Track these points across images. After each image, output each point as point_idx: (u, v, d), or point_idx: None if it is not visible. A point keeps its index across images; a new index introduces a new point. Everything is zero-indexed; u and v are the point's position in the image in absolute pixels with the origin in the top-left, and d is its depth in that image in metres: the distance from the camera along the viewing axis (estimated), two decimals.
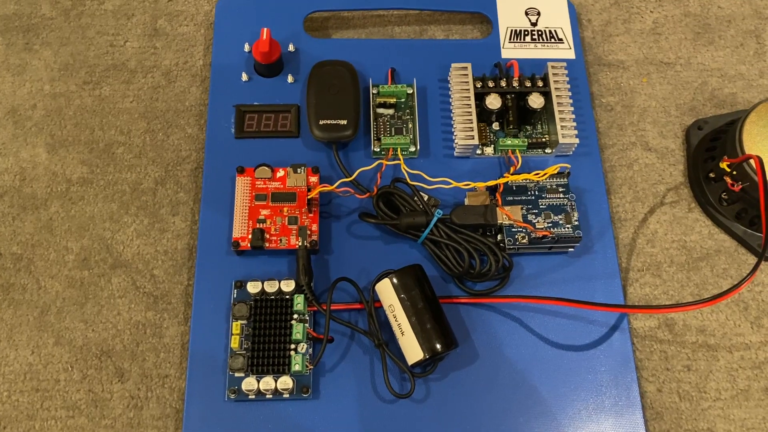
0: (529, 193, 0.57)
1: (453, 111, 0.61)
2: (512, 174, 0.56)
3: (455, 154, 0.60)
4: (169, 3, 0.70)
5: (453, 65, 0.61)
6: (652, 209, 0.61)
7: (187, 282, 0.58)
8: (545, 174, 0.55)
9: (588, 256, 0.57)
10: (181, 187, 0.61)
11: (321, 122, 0.58)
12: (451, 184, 0.55)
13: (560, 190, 0.57)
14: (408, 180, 0.56)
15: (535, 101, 0.60)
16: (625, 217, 0.60)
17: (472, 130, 0.58)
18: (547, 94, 0.61)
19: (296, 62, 0.64)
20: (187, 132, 0.64)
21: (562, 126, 0.59)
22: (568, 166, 0.57)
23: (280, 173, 0.57)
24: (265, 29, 0.60)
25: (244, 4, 0.66)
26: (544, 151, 0.61)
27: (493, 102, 0.59)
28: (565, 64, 0.61)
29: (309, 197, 0.55)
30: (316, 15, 0.69)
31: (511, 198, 0.56)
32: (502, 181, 0.55)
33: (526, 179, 0.56)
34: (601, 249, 0.58)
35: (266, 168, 0.57)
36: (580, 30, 0.68)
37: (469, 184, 0.55)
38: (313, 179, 0.57)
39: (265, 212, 0.56)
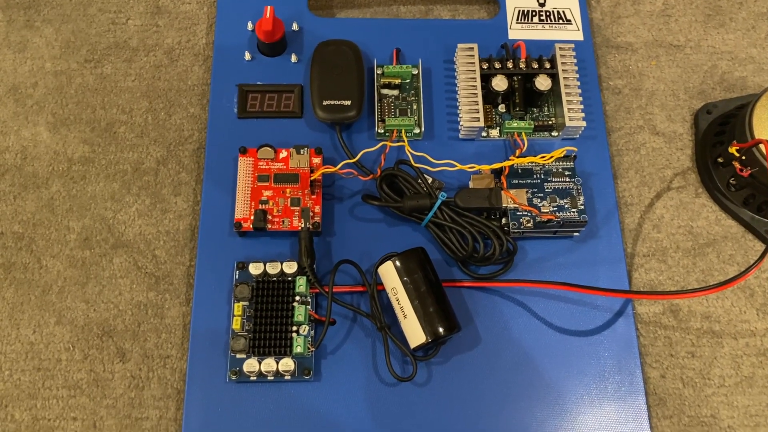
0: (535, 176, 0.56)
1: (458, 92, 0.60)
2: (518, 157, 0.56)
3: (460, 136, 0.59)
4: None
5: (459, 46, 0.60)
6: (659, 194, 0.60)
7: (189, 263, 0.57)
8: (551, 157, 0.54)
9: (593, 241, 0.57)
10: (183, 167, 0.61)
11: (324, 103, 0.58)
12: (455, 166, 0.54)
13: (566, 173, 0.56)
14: (412, 162, 0.55)
15: (542, 83, 0.59)
16: (632, 201, 0.60)
17: (478, 112, 0.58)
18: (554, 76, 0.60)
19: (300, 42, 0.63)
20: (189, 111, 0.63)
21: (569, 109, 0.58)
22: (575, 149, 0.56)
23: (283, 154, 0.57)
24: (269, 7, 0.59)
25: None
26: (551, 134, 0.60)
27: (499, 83, 0.59)
28: (572, 45, 0.60)
29: (312, 178, 0.54)
30: None
31: (517, 181, 0.56)
32: (507, 164, 0.55)
33: (531, 162, 0.55)
34: (606, 234, 0.57)
35: (269, 149, 0.57)
36: (589, 11, 0.67)
37: (473, 167, 0.55)
38: (316, 161, 0.57)
39: (267, 193, 0.55)
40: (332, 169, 0.54)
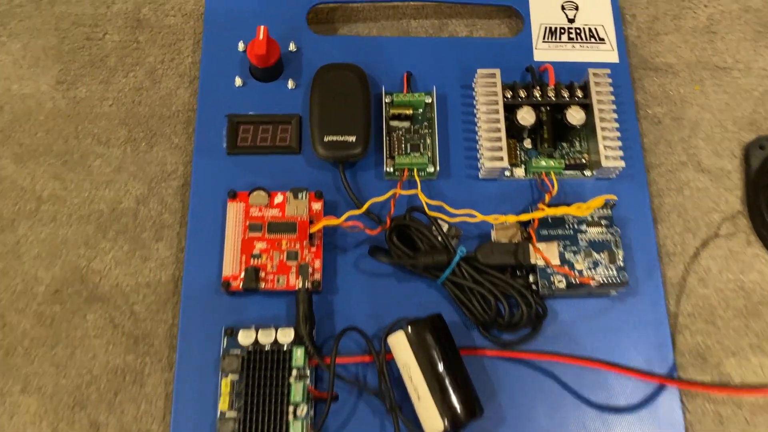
0: (567, 226, 0.49)
1: (478, 125, 0.53)
2: (548, 205, 0.48)
3: (480, 175, 0.52)
4: None
5: (479, 72, 0.53)
6: (705, 242, 0.53)
7: (172, 321, 0.51)
8: (589, 208, 0.47)
9: (632, 300, 0.50)
10: (165, 207, 0.54)
11: (326, 139, 0.50)
12: (476, 217, 0.47)
13: (603, 222, 0.49)
14: (427, 211, 0.48)
15: (575, 116, 0.51)
16: (674, 251, 0.53)
17: (501, 150, 0.50)
18: (587, 107, 0.52)
19: (298, 64, 0.55)
20: (173, 142, 0.56)
21: (605, 146, 0.51)
22: (614, 198, 0.49)
23: (278, 198, 0.50)
24: (262, 27, 0.52)
25: None
26: (583, 173, 0.53)
27: (526, 117, 0.51)
28: (608, 71, 0.53)
29: (311, 232, 0.47)
30: (322, 7, 0.60)
31: (546, 232, 0.49)
32: (537, 215, 0.48)
33: (566, 214, 0.48)
34: (647, 290, 0.50)
35: (262, 193, 0.49)
36: (624, 27, 0.59)
37: (497, 219, 0.48)
38: (317, 206, 0.50)
39: (260, 245, 0.48)
40: (334, 222, 0.47)
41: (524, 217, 0.48)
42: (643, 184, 0.53)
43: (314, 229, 0.47)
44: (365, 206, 0.48)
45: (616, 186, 0.53)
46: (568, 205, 0.48)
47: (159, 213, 0.54)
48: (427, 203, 0.48)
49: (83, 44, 0.59)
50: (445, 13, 0.61)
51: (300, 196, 0.49)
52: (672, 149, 0.56)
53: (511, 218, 0.48)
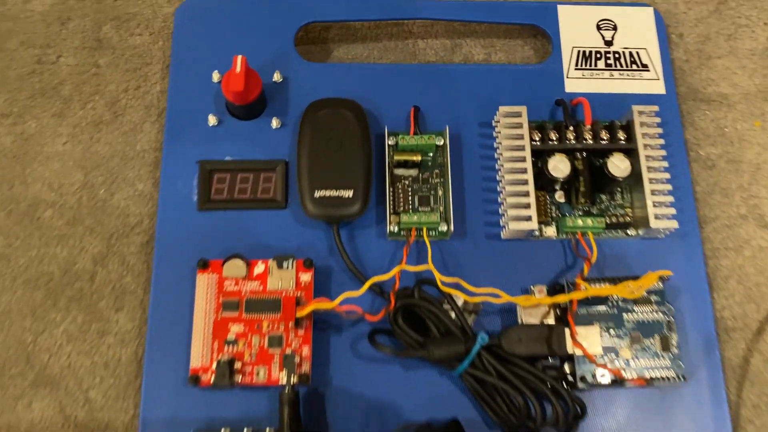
0: (611, 303, 0.40)
1: (501, 175, 0.44)
2: (587, 278, 0.40)
3: (503, 236, 0.44)
4: (119, 1, 0.53)
5: (501, 110, 0.44)
6: None
7: (134, 410, 0.42)
8: (640, 288, 0.38)
9: (686, 388, 0.41)
10: (128, 269, 0.45)
11: (317, 194, 0.42)
12: (501, 297, 0.39)
13: (653, 299, 0.41)
14: (440, 285, 0.40)
15: (618, 167, 0.42)
16: (734, 325, 0.44)
17: (528, 207, 0.42)
18: (631, 152, 0.43)
19: (284, 98, 0.46)
20: (137, 189, 0.47)
21: (654, 203, 0.42)
22: (669, 273, 0.41)
23: (259, 268, 0.41)
24: (239, 58, 0.43)
25: (213, 12, 0.49)
26: (626, 233, 0.44)
27: (559, 167, 0.42)
28: (656, 108, 0.44)
29: (298, 316, 0.39)
30: (313, 27, 0.51)
31: (585, 311, 0.40)
32: (576, 296, 0.39)
33: (607, 297, 0.39)
34: (703, 375, 0.42)
35: (239, 262, 0.41)
36: (670, 50, 0.50)
37: (528, 299, 0.39)
38: (306, 277, 0.41)
39: (236, 328, 0.40)
40: (327, 306, 0.38)
41: (561, 299, 0.39)
42: (696, 243, 0.44)
43: (302, 313, 0.38)
44: (365, 287, 0.39)
45: (664, 246, 0.44)
46: (614, 282, 0.39)
47: (120, 276, 0.45)
48: (442, 282, 0.39)
49: (33, 68, 0.50)
50: (458, 32, 0.52)
51: (285, 265, 0.41)
52: (729, 199, 0.47)
53: (545, 300, 0.39)
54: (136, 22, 0.52)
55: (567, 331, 0.39)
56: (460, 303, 0.41)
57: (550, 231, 0.43)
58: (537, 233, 0.43)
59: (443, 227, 0.43)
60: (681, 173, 0.46)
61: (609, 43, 0.49)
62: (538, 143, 0.44)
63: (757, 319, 0.44)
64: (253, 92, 0.44)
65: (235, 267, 0.41)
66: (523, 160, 0.43)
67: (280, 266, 0.41)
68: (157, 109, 0.49)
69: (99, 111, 0.49)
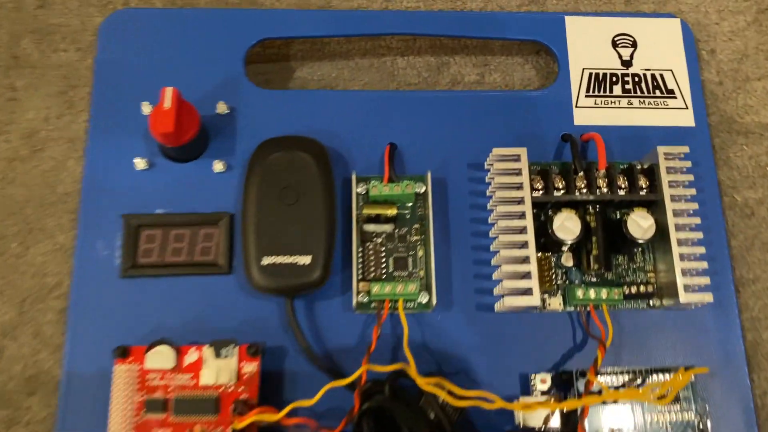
0: (628, 401, 0.32)
1: (496, 235, 0.36)
2: (599, 372, 0.32)
3: (497, 309, 0.35)
4: (40, 10, 0.44)
5: (494, 153, 0.36)
6: None
7: None
8: (670, 391, 0.30)
9: None
10: (43, 343, 0.37)
11: (265, 261, 0.33)
12: (494, 402, 0.31)
13: (682, 395, 0.33)
14: (420, 382, 0.31)
15: (640, 227, 0.34)
16: None
17: (528, 277, 0.33)
18: (655, 203, 0.35)
19: (230, 134, 0.38)
20: (57, 242, 0.39)
21: (684, 271, 0.34)
22: (705, 370, 0.32)
23: (192, 357, 0.33)
24: (169, 91, 0.34)
25: (145, 27, 0.40)
26: (649, 305, 0.36)
27: (567, 226, 0.34)
28: (686, 150, 0.36)
29: (235, 429, 0.30)
30: (271, 42, 0.42)
31: (599, 415, 0.32)
32: (589, 402, 0.31)
33: (632, 400, 0.31)
34: None
35: (166, 349, 0.33)
36: (700, 69, 0.42)
37: (527, 405, 0.31)
38: (250, 368, 0.33)
39: None
40: (270, 419, 0.30)
41: (570, 405, 0.31)
42: (731, 312, 0.36)
43: (238, 426, 0.30)
44: (319, 394, 0.30)
45: (692, 318, 0.36)
46: (633, 376, 0.31)
47: (33, 352, 0.37)
48: (424, 382, 0.31)
49: None
50: (446, 48, 0.43)
51: (225, 352, 0.33)
52: None
53: (550, 405, 0.31)
54: (60, 35, 0.43)
55: None
56: (440, 399, 0.32)
57: (556, 303, 0.35)
58: (539, 304, 0.35)
59: (424, 298, 0.35)
60: (714, 224, 0.38)
61: (627, 64, 0.41)
62: (541, 193, 0.35)
63: None
64: (188, 131, 0.35)
65: (161, 356, 0.33)
66: (522, 216, 0.34)
67: (218, 354, 0.33)
68: (83, 143, 0.41)
69: (14, 144, 0.41)
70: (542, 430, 0.32)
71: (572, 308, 0.35)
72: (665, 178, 0.35)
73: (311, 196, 0.35)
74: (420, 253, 0.36)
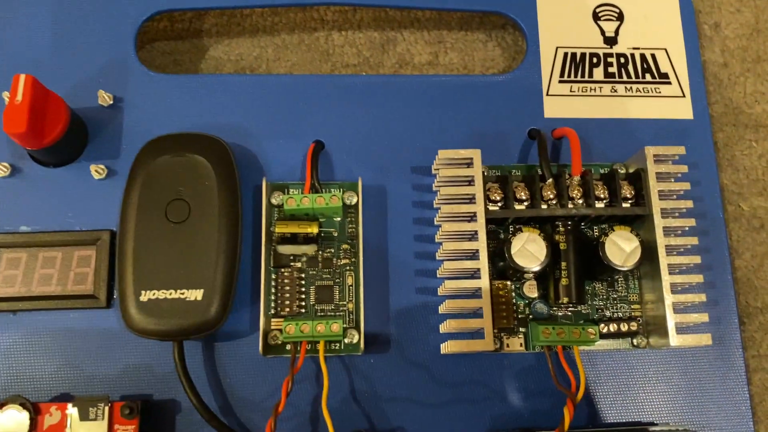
0: None
1: (441, 260, 0.29)
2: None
3: (443, 351, 0.28)
4: None
5: (441, 155, 0.28)
6: None
7: None
8: None
9: None
10: None
11: (144, 296, 0.26)
12: None
13: None
14: None
15: (622, 250, 0.27)
16: None
17: (480, 315, 0.26)
18: (642, 219, 0.28)
19: (114, 132, 0.31)
20: None
21: (675, 306, 0.27)
22: None
23: (53, 418, 0.26)
24: (22, 77, 0.27)
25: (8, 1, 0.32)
26: (632, 344, 0.29)
27: (528, 251, 0.27)
28: (682, 151, 0.28)
29: None
30: (178, 18, 0.35)
31: None
32: None
33: None
34: None
35: (18, 410, 0.26)
36: (701, 49, 0.34)
37: None
38: None
39: None
40: None
41: None
42: (735, 350, 0.29)
43: None
44: None
45: (686, 359, 0.29)
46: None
47: None
48: None
49: None
50: (392, 21, 0.36)
51: (93, 413, 0.26)
52: None
53: None
54: None
55: None
56: None
57: (516, 343, 0.28)
58: (496, 345, 0.28)
59: (352, 337, 0.28)
60: (715, 242, 0.31)
61: (611, 41, 0.33)
62: (499, 206, 0.28)
63: None
64: (51, 130, 0.28)
65: (11, 418, 0.26)
66: (473, 236, 0.27)
67: (84, 416, 0.26)
68: None
69: None
70: None
71: (536, 349, 0.28)
72: (655, 187, 0.28)
73: (207, 211, 0.27)
74: (349, 280, 0.29)
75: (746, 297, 0.32)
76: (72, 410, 0.26)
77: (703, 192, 0.31)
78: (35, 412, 0.26)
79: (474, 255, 0.27)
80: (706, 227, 0.31)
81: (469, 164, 0.28)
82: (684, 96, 0.32)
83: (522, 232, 0.27)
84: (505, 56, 0.35)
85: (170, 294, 0.26)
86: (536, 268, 0.27)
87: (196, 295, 0.27)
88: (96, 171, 0.30)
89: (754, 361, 0.31)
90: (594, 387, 0.29)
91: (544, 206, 0.28)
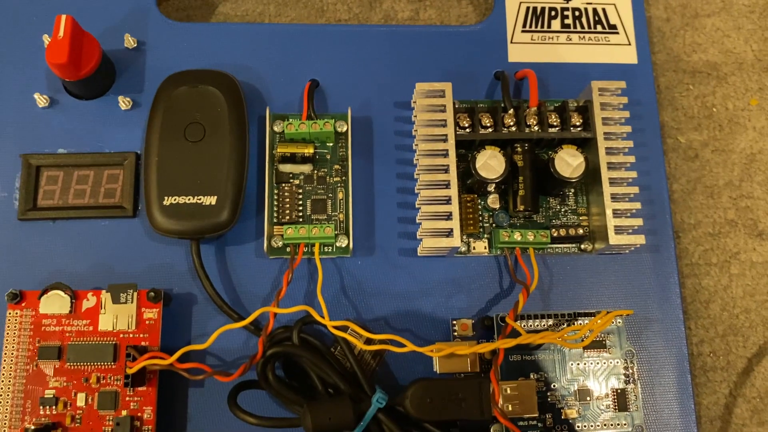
0: (552, 347, 0.31)
1: (417, 177, 0.34)
2: (523, 321, 0.30)
3: (419, 253, 0.33)
4: None
5: (418, 88, 0.33)
6: (762, 351, 0.35)
7: None
8: (590, 332, 0.29)
9: None
10: None
11: (167, 201, 0.31)
12: (405, 346, 0.29)
13: (608, 342, 0.31)
14: (330, 329, 0.30)
15: (569, 165, 0.32)
16: (715, 364, 0.35)
17: (449, 218, 0.31)
18: (589, 142, 0.33)
19: (137, 70, 0.36)
20: None
21: (614, 211, 0.32)
22: (630, 312, 0.31)
23: (89, 302, 0.31)
24: (63, 18, 0.32)
25: None
26: (579, 248, 0.34)
27: (491, 165, 0.32)
28: (622, 85, 0.33)
29: (129, 372, 0.29)
30: None
31: (519, 357, 0.30)
32: (502, 345, 0.29)
33: (547, 343, 0.29)
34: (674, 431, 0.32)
35: (61, 293, 0.31)
36: (645, 5, 0.40)
37: (440, 349, 0.29)
38: (151, 314, 0.31)
39: (56, 382, 0.30)
40: (162, 363, 0.28)
41: (482, 348, 0.29)
42: (669, 257, 0.34)
43: (132, 370, 0.28)
44: (211, 339, 0.28)
45: (628, 263, 0.34)
46: (558, 319, 0.29)
47: None
48: (333, 326, 0.29)
49: None
50: None
51: (124, 297, 0.31)
52: (715, 200, 0.37)
53: (462, 349, 0.29)
54: None
55: (493, 387, 0.29)
56: (357, 351, 0.31)
57: (481, 246, 0.33)
58: (463, 249, 0.33)
59: (342, 242, 0.33)
60: (654, 167, 0.36)
61: None
62: (468, 131, 0.33)
63: (744, 356, 0.35)
64: (87, 64, 0.33)
65: (55, 301, 0.31)
66: (445, 154, 0.32)
67: (116, 300, 0.31)
68: None
69: None
70: (459, 376, 0.30)
71: (498, 252, 0.33)
72: (599, 115, 0.33)
73: (219, 133, 0.32)
74: (340, 195, 0.34)
75: (681, 215, 0.37)
76: (105, 295, 0.31)
77: (644, 125, 0.36)
78: (75, 297, 0.31)
79: (445, 169, 0.32)
80: (647, 154, 0.36)
81: (442, 95, 0.33)
82: (630, 44, 0.38)
83: (485, 149, 0.32)
84: (477, 12, 0.40)
85: (189, 199, 0.31)
86: (496, 178, 0.32)
87: (210, 200, 0.31)
88: (123, 102, 0.34)
89: (687, 269, 0.36)
90: (548, 284, 0.34)
91: (505, 131, 0.33)
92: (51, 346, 0.30)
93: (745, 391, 0.34)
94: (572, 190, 0.34)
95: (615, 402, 0.30)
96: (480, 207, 0.34)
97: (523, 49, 0.37)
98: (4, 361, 0.30)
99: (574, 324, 0.31)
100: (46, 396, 0.30)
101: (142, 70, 0.35)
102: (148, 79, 0.35)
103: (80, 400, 0.30)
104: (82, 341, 0.30)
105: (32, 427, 0.29)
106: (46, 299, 0.31)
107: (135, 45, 0.36)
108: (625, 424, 0.30)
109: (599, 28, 0.38)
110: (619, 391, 0.31)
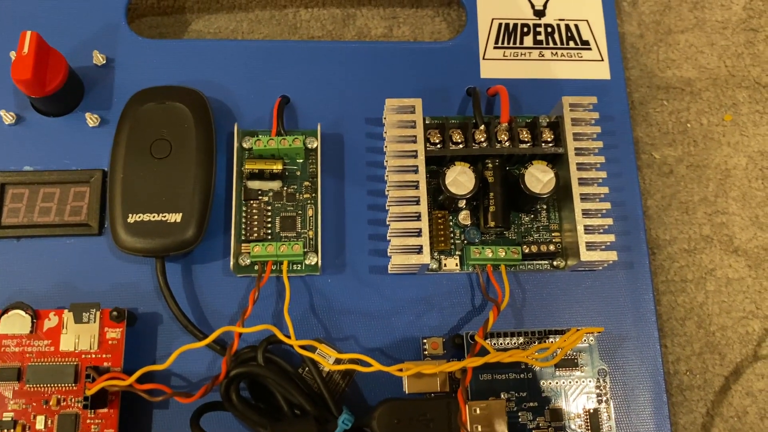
0: (522, 366, 0.30)
1: (387, 193, 0.33)
2: (492, 339, 0.29)
3: (390, 270, 0.33)
4: None
5: (388, 104, 0.33)
6: (740, 369, 0.34)
7: None
8: (560, 350, 0.28)
9: None
10: None
11: (131, 218, 0.31)
12: (371, 366, 0.28)
13: (580, 360, 0.31)
14: (297, 349, 0.29)
15: (539, 181, 0.32)
16: (691, 383, 0.34)
17: (419, 235, 0.31)
18: (559, 158, 0.33)
19: (106, 87, 0.35)
20: None
21: (587, 228, 0.31)
22: (600, 330, 0.30)
23: (51, 322, 0.30)
24: (29, 34, 0.31)
25: None
26: (552, 265, 0.33)
27: (459, 180, 0.32)
28: (594, 100, 0.33)
29: (87, 394, 0.28)
30: None
31: (489, 376, 0.30)
32: (470, 364, 0.28)
33: (518, 361, 0.29)
34: None
35: (22, 313, 0.30)
36: (619, 23, 0.40)
37: (408, 368, 0.28)
38: (114, 334, 0.30)
39: (14, 405, 0.29)
40: (121, 384, 0.28)
41: (450, 367, 0.28)
42: (644, 274, 0.34)
43: (91, 391, 0.28)
44: (170, 360, 0.28)
45: (602, 280, 0.34)
46: (529, 337, 0.29)
47: None
48: (299, 345, 0.29)
49: None
50: (352, 0, 0.41)
51: (86, 317, 0.30)
52: (689, 216, 0.37)
53: (429, 368, 0.28)
54: None
55: (461, 406, 0.28)
56: (327, 366, 0.30)
57: (452, 263, 0.33)
58: (434, 266, 0.33)
59: (311, 259, 0.33)
60: (628, 183, 0.35)
61: (540, 14, 0.38)
62: (437, 148, 0.33)
63: (720, 375, 0.34)
64: (53, 80, 0.32)
65: (16, 321, 0.30)
66: (415, 170, 0.32)
67: (78, 319, 0.30)
68: None
69: None
70: (429, 396, 0.29)
71: (470, 269, 0.33)
72: (570, 130, 0.33)
73: (185, 149, 0.32)
74: (310, 212, 0.34)
75: (657, 231, 0.36)
76: (68, 314, 0.30)
77: (618, 141, 0.36)
78: (36, 316, 0.30)
79: (415, 185, 0.32)
80: (621, 170, 0.35)
81: (412, 111, 0.33)
82: (602, 60, 0.38)
83: (455, 165, 0.32)
84: (450, 29, 0.40)
85: (153, 216, 0.31)
86: (465, 194, 0.32)
87: (175, 217, 0.31)
88: (90, 119, 0.34)
89: (662, 285, 0.36)
90: (520, 301, 0.33)
91: (475, 147, 0.33)
92: (10, 367, 0.30)
93: (723, 410, 0.34)
94: (544, 206, 0.34)
95: (587, 422, 0.30)
96: (451, 223, 0.34)
97: (496, 66, 0.37)
98: None
99: (545, 342, 0.31)
100: (3, 419, 0.29)
101: (111, 87, 0.35)
102: (117, 96, 0.35)
103: (39, 423, 0.29)
104: (43, 362, 0.30)
105: None
106: (6, 319, 0.30)
107: (104, 62, 0.35)
108: None
109: (572, 44, 0.38)
110: (591, 411, 0.30)
